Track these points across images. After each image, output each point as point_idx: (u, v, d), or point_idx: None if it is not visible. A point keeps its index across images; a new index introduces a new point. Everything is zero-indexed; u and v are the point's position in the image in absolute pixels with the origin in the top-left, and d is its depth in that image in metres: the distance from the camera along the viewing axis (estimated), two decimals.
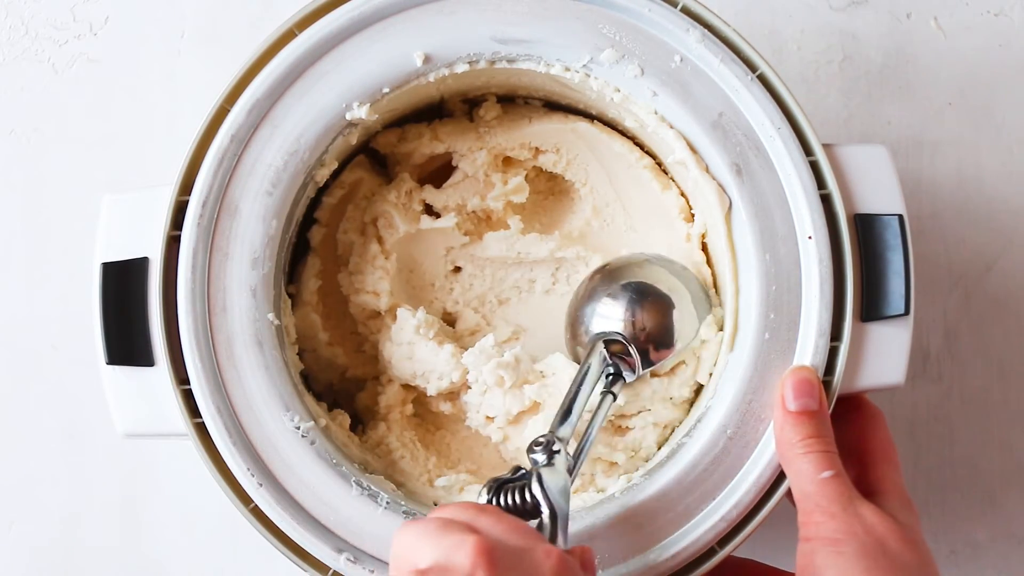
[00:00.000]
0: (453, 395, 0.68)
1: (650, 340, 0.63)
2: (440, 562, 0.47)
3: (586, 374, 0.61)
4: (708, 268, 0.67)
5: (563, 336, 0.67)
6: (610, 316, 0.64)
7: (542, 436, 0.56)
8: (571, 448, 0.58)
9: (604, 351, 0.62)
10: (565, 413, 0.58)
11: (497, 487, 0.54)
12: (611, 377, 0.63)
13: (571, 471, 0.56)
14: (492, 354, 0.65)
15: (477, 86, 0.66)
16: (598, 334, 0.64)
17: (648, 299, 0.64)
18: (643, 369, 0.64)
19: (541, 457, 0.55)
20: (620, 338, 0.63)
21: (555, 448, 0.55)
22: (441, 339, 0.66)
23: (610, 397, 0.62)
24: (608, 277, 0.65)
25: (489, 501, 0.54)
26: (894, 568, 0.53)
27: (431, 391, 0.66)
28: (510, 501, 0.54)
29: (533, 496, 0.53)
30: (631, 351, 0.63)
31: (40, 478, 0.76)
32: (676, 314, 0.64)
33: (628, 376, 0.63)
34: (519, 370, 0.65)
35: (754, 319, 0.59)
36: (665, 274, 0.65)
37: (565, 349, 0.67)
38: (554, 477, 0.54)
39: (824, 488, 0.55)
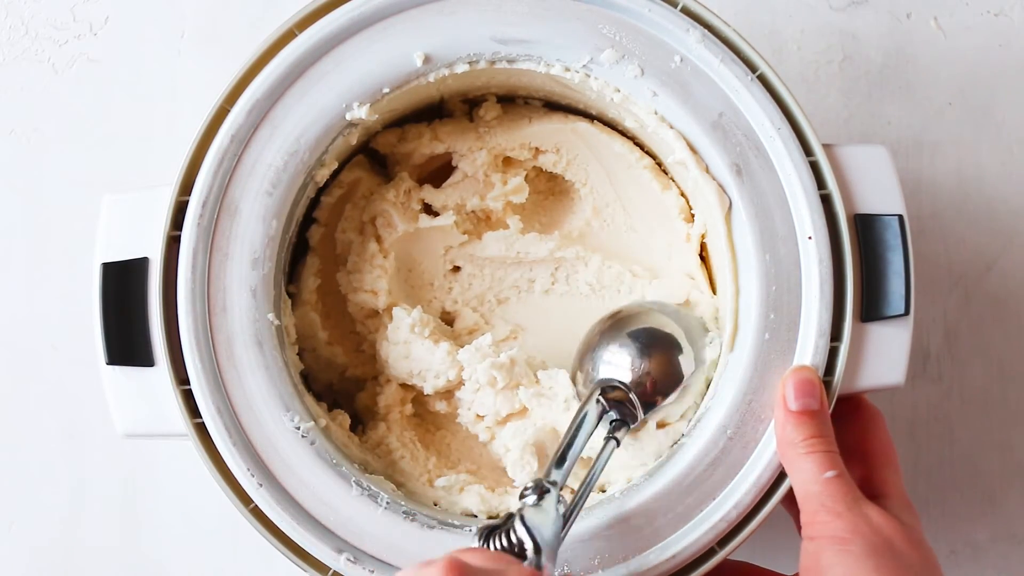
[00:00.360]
0: (450, 394, 0.68)
1: (655, 386, 0.63)
2: None
3: (582, 421, 0.60)
4: (703, 270, 0.67)
5: (571, 369, 0.67)
6: (614, 362, 0.64)
7: (533, 480, 0.56)
8: (569, 488, 0.58)
9: (600, 399, 0.62)
10: (560, 459, 0.58)
11: (487, 533, 0.54)
12: (615, 423, 0.62)
13: (568, 515, 0.56)
14: (488, 353, 0.65)
15: (477, 86, 0.66)
16: (598, 381, 0.63)
17: (651, 345, 0.63)
18: (645, 414, 0.63)
19: (530, 499, 0.55)
20: (619, 385, 0.63)
21: (544, 488, 0.55)
22: (437, 338, 0.66)
23: (612, 443, 0.61)
24: (615, 325, 0.65)
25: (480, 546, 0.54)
26: (901, 567, 0.53)
27: (427, 390, 0.66)
28: (499, 544, 0.54)
29: (519, 536, 0.53)
30: (632, 397, 0.62)
31: (40, 478, 0.76)
32: (681, 359, 0.63)
33: (632, 422, 0.63)
34: (513, 372, 0.65)
35: (754, 319, 0.59)
36: (669, 322, 0.64)
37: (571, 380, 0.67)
38: (540, 516, 0.54)
39: (828, 487, 0.55)
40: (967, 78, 0.78)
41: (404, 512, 0.59)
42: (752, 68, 0.60)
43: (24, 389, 0.77)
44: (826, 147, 0.60)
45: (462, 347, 0.66)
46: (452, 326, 0.70)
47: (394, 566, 0.58)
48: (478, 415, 0.66)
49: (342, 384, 0.69)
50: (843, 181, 0.60)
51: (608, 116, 0.66)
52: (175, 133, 0.77)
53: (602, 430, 0.61)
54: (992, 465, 0.77)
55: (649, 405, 0.63)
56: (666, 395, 0.63)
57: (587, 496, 0.58)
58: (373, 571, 0.58)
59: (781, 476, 0.58)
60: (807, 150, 0.60)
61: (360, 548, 0.58)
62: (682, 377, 0.63)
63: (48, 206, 0.77)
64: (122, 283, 0.59)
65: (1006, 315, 0.78)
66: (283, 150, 0.60)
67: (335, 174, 0.67)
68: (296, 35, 0.60)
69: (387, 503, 0.59)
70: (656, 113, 0.61)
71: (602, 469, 0.60)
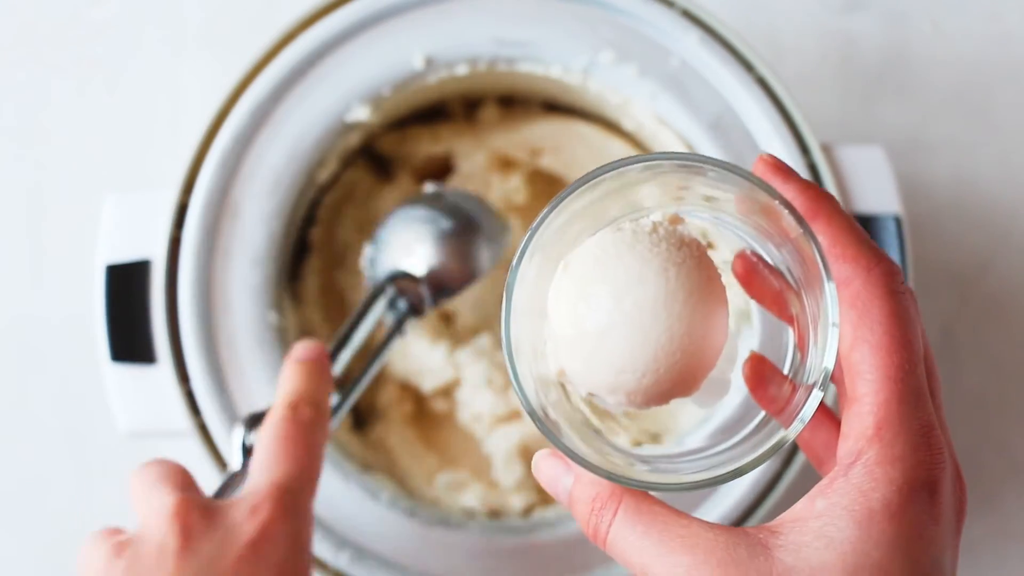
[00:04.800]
0: (449, 393, 0.68)
1: (450, 277, 0.61)
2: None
3: (365, 311, 0.57)
4: None
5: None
6: (408, 249, 0.61)
7: None
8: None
9: (390, 288, 0.59)
10: (332, 351, 0.55)
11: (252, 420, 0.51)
12: (402, 314, 0.59)
13: (338, 406, 0.54)
14: (485, 353, 0.65)
15: (477, 87, 0.66)
16: (392, 273, 0.60)
17: (448, 234, 0.60)
18: (435, 304, 0.61)
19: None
20: (411, 275, 0.60)
21: None
22: (435, 337, 0.66)
23: (397, 335, 0.59)
24: (412, 206, 0.63)
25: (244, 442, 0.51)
26: None
27: (425, 388, 0.67)
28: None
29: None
30: (422, 289, 0.60)
31: (43, 478, 0.76)
32: (481, 253, 0.61)
33: (420, 313, 0.60)
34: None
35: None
36: (472, 208, 0.62)
37: None
38: None
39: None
40: (964, 80, 0.79)
41: (405, 510, 0.59)
42: (750, 69, 0.60)
43: (27, 389, 0.77)
44: (824, 148, 0.60)
45: (460, 346, 0.66)
46: (452, 322, 0.71)
47: (396, 563, 0.58)
48: (475, 414, 0.67)
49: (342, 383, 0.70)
50: (841, 181, 0.60)
51: (607, 117, 0.67)
52: (177, 134, 0.77)
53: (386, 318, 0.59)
54: (989, 464, 0.78)
55: (442, 294, 0.60)
56: (461, 288, 0.61)
57: (361, 387, 0.56)
58: (374, 569, 0.58)
59: (781, 474, 0.59)
60: (805, 150, 0.60)
61: (361, 545, 0.59)
62: (480, 271, 0.61)
63: (51, 207, 0.78)
64: (125, 283, 0.60)
65: (1003, 315, 0.78)
66: (284, 151, 0.61)
67: (336, 174, 0.68)
68: (298, 37, 0.61)
69: (388, 501, 0.59)
70: (655, 115, 0.61)
71: (382, 361, 0.58)
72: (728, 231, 0.42)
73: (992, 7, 0.79)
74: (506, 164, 0.70)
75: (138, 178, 0.77)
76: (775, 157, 0.39)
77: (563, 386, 0.41)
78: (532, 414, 0.37)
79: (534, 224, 0.37)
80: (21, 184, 0.78)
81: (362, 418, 0.69)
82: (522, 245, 0.37)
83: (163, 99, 0.78)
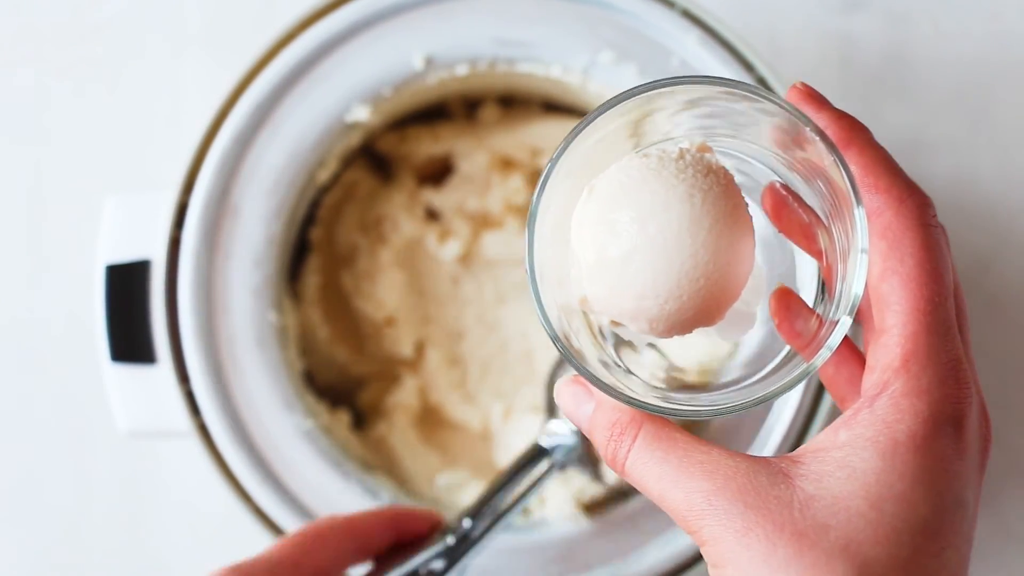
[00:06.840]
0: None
1: None
2: None
3: (524, 466, 0.54)
4: None
5: (542, 395, 0.63)
6: None
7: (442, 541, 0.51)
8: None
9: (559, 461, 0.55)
10: (476, 510, 0.53)
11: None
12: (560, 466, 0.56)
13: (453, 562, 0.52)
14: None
15: (477, 87, 0.66)
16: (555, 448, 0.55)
17: None
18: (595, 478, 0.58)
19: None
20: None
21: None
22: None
23: (554, 470, 0.55)
24: None
25: None
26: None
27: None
28: None
29: None
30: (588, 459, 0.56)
31: (43, 478, 0.76)
32: None
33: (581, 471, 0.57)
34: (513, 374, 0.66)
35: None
36: None
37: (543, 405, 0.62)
38: None
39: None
40: (964, 80, 0.79)
41: None
42: (750, 69, 0.60)
43: (28, 389, 0.77)
44: None
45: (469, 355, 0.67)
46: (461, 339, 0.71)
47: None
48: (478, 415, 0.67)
49: (343, 382, 0.70)
50: None
51: None
52: (177, 134, 0.77)
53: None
54: (990, 465, 0.77)
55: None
56: None
57: (495, 525, 0.53)
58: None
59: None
60: None
61: None
62: None
63: (50, 207, 0.78)
64: (125, 283, 0.60)
65: (1004, 315, 0.78)
66: (284, 151, 0.61)
67: (336, 174, 0.68)
68: (298, 37, 0.61)
69: (388, 501, 0.59)
70: None
71: (518, 509, 0.54)
72: (757, 163, 0.41)
73: (992, 7, 0.79)
74: (506, 164, 0.70)
75: (138, 178, 0.77)
76: (808, 85, 0.39)
77: (592, 328, 0.41)
78: (555, 339, 0.36)
79: (558, 149, 0.36)
80: (21, 184, 0.78)
81: (362, 418, 0.69)
82: (545, 171, 0.36)
83: (163, 99, 0.78)
